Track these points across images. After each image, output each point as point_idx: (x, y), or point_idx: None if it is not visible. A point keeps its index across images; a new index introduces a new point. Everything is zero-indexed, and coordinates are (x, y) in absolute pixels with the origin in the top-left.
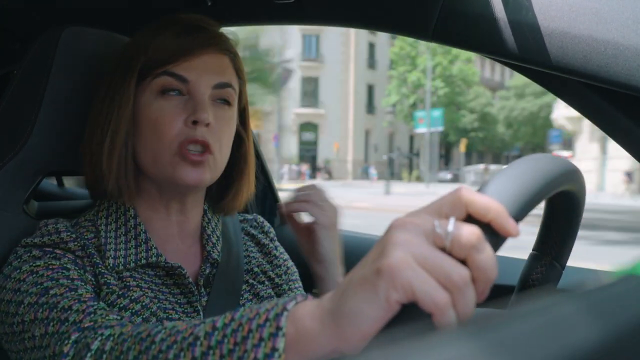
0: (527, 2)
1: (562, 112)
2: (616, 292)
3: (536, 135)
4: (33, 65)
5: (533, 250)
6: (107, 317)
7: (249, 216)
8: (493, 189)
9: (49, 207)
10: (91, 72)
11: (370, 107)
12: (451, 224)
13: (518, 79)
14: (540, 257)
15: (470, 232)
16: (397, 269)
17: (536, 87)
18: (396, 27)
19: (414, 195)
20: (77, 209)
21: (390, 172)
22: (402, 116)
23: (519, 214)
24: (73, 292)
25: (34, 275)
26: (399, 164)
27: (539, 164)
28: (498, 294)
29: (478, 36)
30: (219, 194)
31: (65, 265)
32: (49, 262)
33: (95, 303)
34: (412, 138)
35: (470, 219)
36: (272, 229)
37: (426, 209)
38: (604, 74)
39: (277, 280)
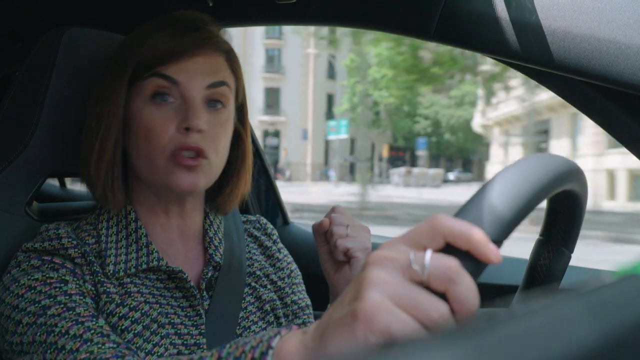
0: (529, 2)
1: (478, 120)
2: (617, 292)
3: (468, 141)
4: (35, 66)
5: (540, 235)
6: (103, 347)
7: (252, 217)
8: (470, 212)
9: (51, 209)
10: (93, 73)
11: (330, 114)
12: (428, 257)
13: (459, 90)
14: (547, 243)
15: (447, 265)
16: (373, 313)
17: (473, 98)
18: (397, 27)
19: (320, 193)
20: (79, 210)
21: (351, 174)
22: (355, 124)
23: (502, 236)
24: (71, 312)
25: (32, 292)
26: (360, 167)
27: (519, 177)
28: (499, 294)
29: (480, 36)
30: (215, 192)
31: (63, 277)
32: (47, 275)
33: (94, 322)
34: (373, 145)
35: (449, 246)
36: (274, 231)
37: (404, 239)
38: (607, 73)
39: (279, 283)
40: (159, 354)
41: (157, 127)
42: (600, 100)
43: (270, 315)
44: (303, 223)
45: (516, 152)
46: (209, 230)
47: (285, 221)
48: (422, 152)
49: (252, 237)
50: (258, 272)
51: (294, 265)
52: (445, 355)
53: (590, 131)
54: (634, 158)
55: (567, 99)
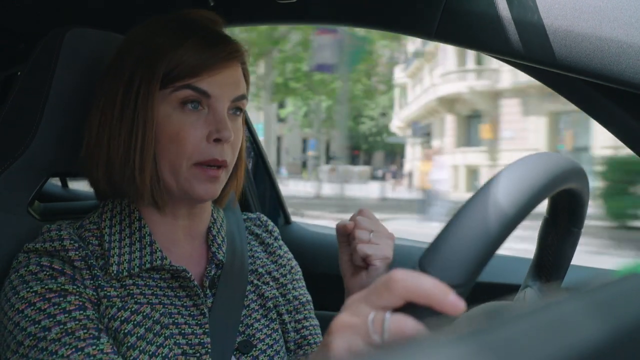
0: (530, 1)
1: (395, 122)
2: (618, 291)
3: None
4: (37, 67)
5: (546, 214)
6: None
7: (253, 215)
8: (436, 255)
9: (53, 208)
10: (95, 73)
11: (279, 116)
12: (387, 320)
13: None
14: (553, 222)
15: (404, 329)
16: None
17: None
18: (399, 26)
19: None
20: (81, 209)
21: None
22: (300, 124)
23: (466, 279)
24: (70, 337)
25: (32, 309)
26: (312, 165)
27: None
28: (500, 293)
29: (481, 35)
30: None
31: (63, 287)
32: (47, 287)
33: (94, 347)
34: (328, 143)
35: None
36: (275, 228)
37: (365, 299)
38: (608, 72)
39: (281, 280)
40: (163, 355)
41: (187, 134)
42: (602, 99)
43: (273, 312)
44: (305, 222)
45: (416, 151)
46: (212, 229)
47: (287, 220)
48: (312, 153)
49: (254, 234)
50: (260, 270)
51: (294, 262)
52: (451, 353)
53: (449, 132)
54: (472, 155)
55: (569, 97)
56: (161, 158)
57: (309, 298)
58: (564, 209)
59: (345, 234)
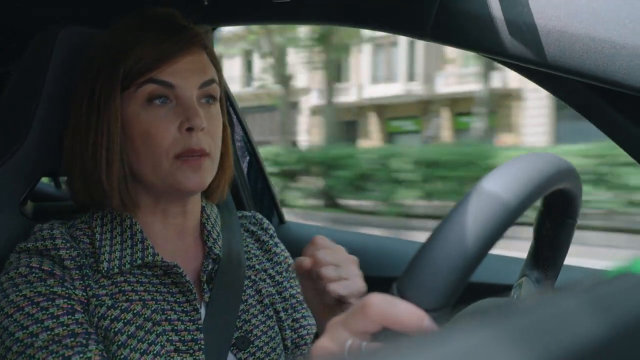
0: (524, 2)
1: None
2: (613, 290)
3: None
4: (30, 65)
5: (541, 206)
6: None
7: (248, 213)
8: (413, 277)
9: (46, 208)
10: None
11: None
12: (362, 349)
13: None
14: (547, 213)
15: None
16: None
17: None
18: (392, 26)
19: None
20: (74, 209)
21: None
22: None
23: (444, 303)
24: (57, 345)
25: (20, 313)
26: None
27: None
28: (491, 293)
29: (475, 35)
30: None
31: (52, 289)
32: (35, 291)
33: (81, 354)
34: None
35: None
36: (271, 226)
37: (344, 324)
38: (601, 73)
39: (277, 277)
40: (154, 352)
41: (159, 130)
42: (595, 100)
43: (270, 309)
44: (299, 222)
45: None
46: (206, 224)
47: (281, 220)
48: None
49: (249, 232)
50: (257, 267)
51: (290, 260)
52: (446, 349)
53: None
54: None
55: (563, 98)
56: (139, 161)
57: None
58: (557, 201)
59: (305, 272)
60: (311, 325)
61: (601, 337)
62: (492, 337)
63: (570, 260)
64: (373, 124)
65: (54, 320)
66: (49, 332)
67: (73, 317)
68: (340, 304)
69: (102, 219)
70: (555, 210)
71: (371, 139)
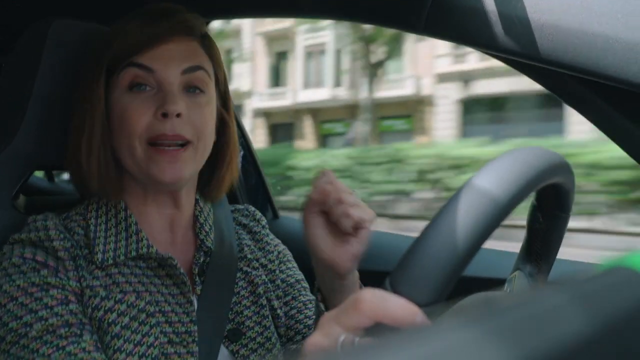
0: None
1: None
2: (604, 284)
3: None
4: (21, 58)
5: (534, 199)
6: None
7: (240, 206)
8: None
9: (38, 202)
10: (80, 65)
11: None
12: (355, 344)
13: None
14: (539, 207)
15: None
16: None
17: None
18: (387, 20)
19: None
20: (67, 204)
21: None
22: None
23: (435, 298)
24: (52, 335)
25: (14, 303)
26: None
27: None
28: (487, 287)
29: (468, 29)
30: (205, 181)
31: (46, 280)
32: (29, 281)
33: (76, 345)
34: None
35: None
36: (263, 218)
37: (337, 319)
38: (594, 67)
39: (269, 266)
40: (148, 343)
41: (132, 115)
42: (588, 94)
43: (263, 298)
44: (292, 217)
45: None
46: (199, 217)
47: (275, 215)
48: None
49: (241, 225)
50: (249, 256)
51: (281, 247)
52: (436, 345)
53: None
54: None
55: (556, 92)
56: (118, 147)
57: (299, 278)
58: (550, 195)
59: (318, 204)
60: (304, 303)
61: (591, 331)
62: (482, 333)
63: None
64: (308, 126)
65: (48, 311)
66: (43, 322)
67: (67, 308)
68: (356, 230)
69: (97, 211)
70: (548, 204)
71: (307, 141)
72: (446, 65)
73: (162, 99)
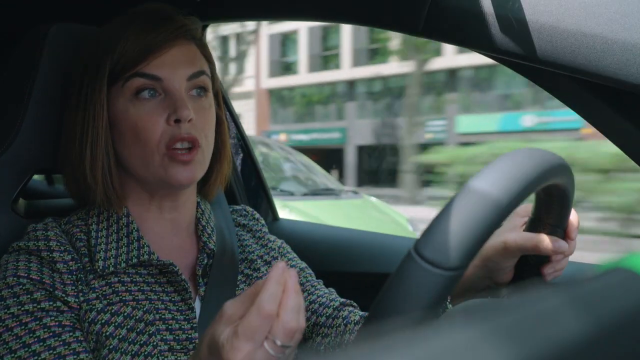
0: None
1: None
2: (603, 285)
3: None
4: (21, 62)
5: (531, 215)
6: None
7: (237, 207)
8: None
9: (38, 206)
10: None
11: None
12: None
13: None
14: (537, 221)
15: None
16: None
17: None
18: (386, 23)
19: None
20: (66, 207)
21: None
22: None
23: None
24: (51, 352)
25: (9, 334)
26: None
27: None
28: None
29: (467, 31)
30: (202, 180)
31: (39, 305)
32: (23, 309)
33: None
34: None
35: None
36: (261, 218)
37: (242, 335)
38: (592, 68)
39: (273, 262)
40: (146, 353)
41: (147, 124)
42: (587, 95)
43: None
44: (292, 219)
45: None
46: (201, 219)
47: (275, 217)
48: None
49: (241, 225)
50: (251, 257)
51: (280, 241)
52: (434, 346)
53: None
54: None
55: (554, 93)
56: (130, 156)
57: (302, 266)
58: (547, 209)
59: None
60: (313, 286)
61: (590, 332)
62: (482, 333)
63: None
64: None
65: (41, 344)
66: (35, 358)
67: (60, 339)
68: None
69: (98, 216)
70: (546, 218)
71: None
72: None
73: (172, 105)
